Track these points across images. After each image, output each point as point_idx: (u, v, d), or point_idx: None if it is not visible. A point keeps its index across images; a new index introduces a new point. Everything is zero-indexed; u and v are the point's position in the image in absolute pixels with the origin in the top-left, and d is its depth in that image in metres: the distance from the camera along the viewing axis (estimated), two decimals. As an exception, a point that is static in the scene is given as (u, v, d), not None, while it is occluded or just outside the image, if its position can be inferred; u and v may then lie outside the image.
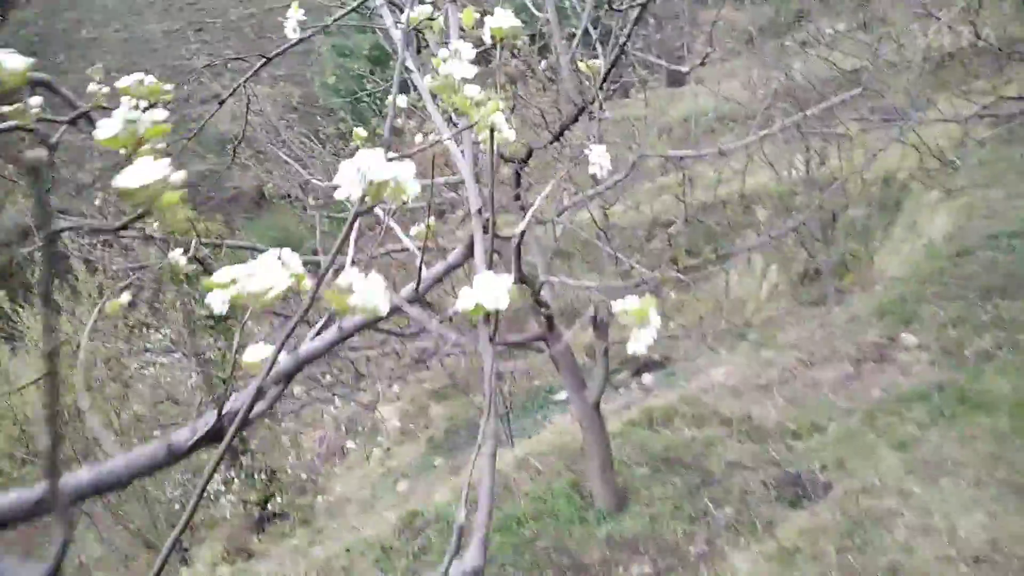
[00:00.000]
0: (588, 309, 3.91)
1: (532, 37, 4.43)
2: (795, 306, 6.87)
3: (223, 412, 0.77)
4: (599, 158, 1.25)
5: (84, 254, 5.79)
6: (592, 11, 3.62)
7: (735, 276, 6.64)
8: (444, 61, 0.85)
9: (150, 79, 0.96)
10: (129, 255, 5.77)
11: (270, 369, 0.68)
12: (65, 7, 23.40)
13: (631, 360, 6.84)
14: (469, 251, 1.04)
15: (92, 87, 0.93)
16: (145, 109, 0.99)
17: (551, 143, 2.46)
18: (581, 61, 1.88)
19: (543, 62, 3.50)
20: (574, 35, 3.99)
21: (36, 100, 0.93)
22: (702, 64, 2.87)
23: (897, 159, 7.01)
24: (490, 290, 0.77)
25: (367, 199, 0.68)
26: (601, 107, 2.46)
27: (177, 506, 6.58)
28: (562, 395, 6.71)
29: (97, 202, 4.28)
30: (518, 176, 2.76)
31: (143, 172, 0.61)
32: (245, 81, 2.87)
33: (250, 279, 0.63)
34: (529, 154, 2.69)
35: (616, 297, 3.30)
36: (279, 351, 0.68)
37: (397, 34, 1.09)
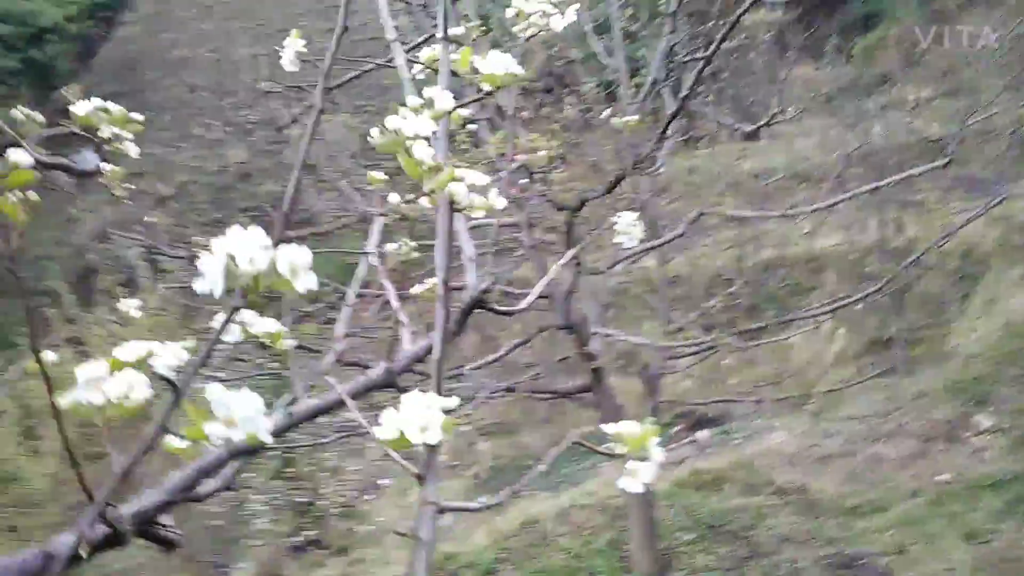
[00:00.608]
0: (640, 362, 3.79)
1: (601, 84, 4.39)
2: (861, 374, 6.58)
3: (115, 517, 0.60)
4: (628, 228, 1.14)
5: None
6: (663, 63, 3.56)
7: (799, 338, 6.40)
8: (408, 112, 0.71)
9: (116, 108, 0.91)
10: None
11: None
12: (163, 28, 24.55)
13: (685, 414, 6.65)
14: (459, 326, 0.92)
15: (19, 114, 0.86)
16: (109, 140, 0.94)
17: (605, 194, 2.39)
18: (617, 117, 1.80)
19: (607, 111, 3.44)
20: (642, 84, 3.94)
21: None
22: (768, 124, 2.76)
23: (979, 231, 6.70)
24: (419, 418, 0.58)
25: (241, 294, 0.50)
26: (657, 162, 2.37)
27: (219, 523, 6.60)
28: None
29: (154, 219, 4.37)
30: (570, 226, 2.69)
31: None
32: (302, 114, 2.88)
33: (102, 385, 0.50)
34: (582, 204, 2.61)
35: (669, 355, 3.15)
36: (117, 482, 0.54)
37: (405, 74, 1.01)
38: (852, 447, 4.95)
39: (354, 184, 4.74)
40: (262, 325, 0.77)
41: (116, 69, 23.98)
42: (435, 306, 0.88)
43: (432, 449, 0.59)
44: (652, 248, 3.12)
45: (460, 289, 0.93)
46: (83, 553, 0.53)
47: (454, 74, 0.86)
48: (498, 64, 0.78)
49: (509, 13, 0.98)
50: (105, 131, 0.91)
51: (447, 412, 0.56)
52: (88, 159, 0.99)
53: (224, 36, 23.49)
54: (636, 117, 1.87)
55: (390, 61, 1.26)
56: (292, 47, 1.15)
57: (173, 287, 4.58)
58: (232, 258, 0.49)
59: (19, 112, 0.84)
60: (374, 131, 0.67)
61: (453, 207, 0.71)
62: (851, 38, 11.41)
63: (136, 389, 0.49)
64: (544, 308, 3.94)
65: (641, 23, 4.32)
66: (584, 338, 3.54)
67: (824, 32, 9.82)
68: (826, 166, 6.45)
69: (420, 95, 0.89)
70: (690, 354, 3.35)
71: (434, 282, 1.41)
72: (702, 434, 6.25)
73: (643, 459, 0.74)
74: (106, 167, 1.02)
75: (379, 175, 1.38)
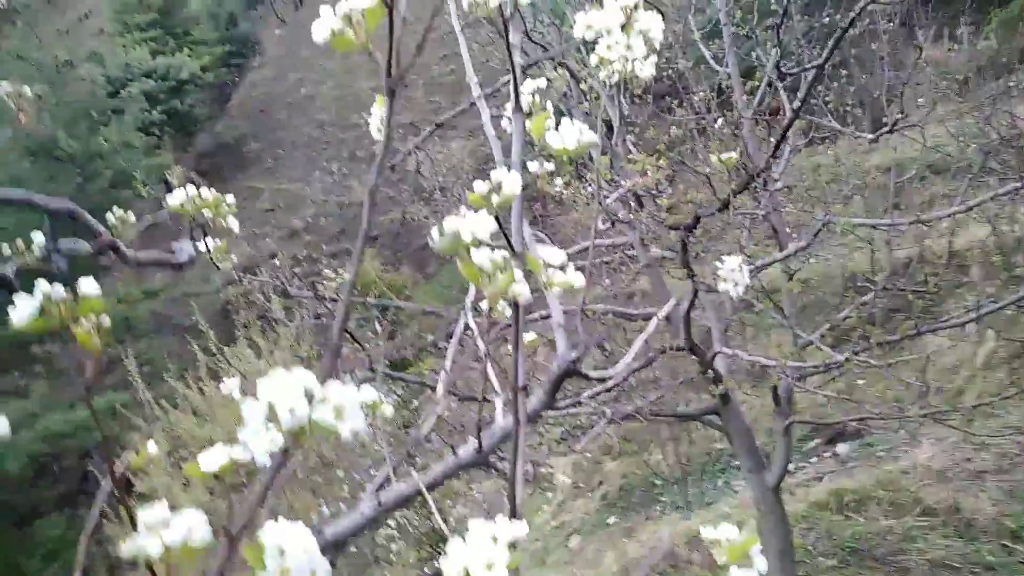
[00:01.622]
0: (769, 378, 3.62)
1: (712, 89, 4.26)
2: (1017, 379, 6.05)
3: None
4: (733, 275, 1.06)
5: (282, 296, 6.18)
6: (775, 67, 3.41)
7: (944, 341, 5.96)
8: (467, 209, 0.66)
9: (209, 193, 0.92)
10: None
11: None
12: (290, 68, 25.91)
13: (823, 427, 6.31)
14: (550, 398, 0.88)
15: (112, 218, 0.90)
16: (205, 225, 0.96)
17: (719, 211, 2.29)
18: (714, 154, 1.71)
19: (720, 119, 3.32)
20: (756, 89, 3.79)
21: (39, 238, 0.92)
22: (891, 131, 2.58)
23: None
24: (484, 554, 0.53)
25: (285, 448, 0.47)
26: (771, 176, 2.26)
27: (353, 548, 6.80)
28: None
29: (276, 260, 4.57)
30: (684, 245, 2.60)
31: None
32: (416, 147, 2.94)
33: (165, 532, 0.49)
34: (697, 221, 2.52)
35: (797, 375, 2.98)
36: None
37: (490, 131, 0.98)
38: (1010, 462, 4.55)
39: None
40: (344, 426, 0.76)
41: (248, 111, 25.49)
42: (539, 360, 0.85)
43: None
44: (776, 262, 2.98)
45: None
46: None
47: (530, 143, 0.83)
48: (570, 136, 0.74)
49: (593, 60, 0.95)
50: (204, 216, 0.94)
51: (515, 546, 0.52)
52: (184, 250, 1.04)
53: (346, 72, 24.55)
54: (734, 154, 1.78)
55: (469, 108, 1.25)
56: (377, 115, 1.16)
57: (301, 321, 4.79)
58: (272, 408, 0.46)
59: (112, 216, 0.88)
60: (434, 232, 0.64)
61: (517, 312, 0.67)
62: (988, 12, 10.59)
63: (196, 533, 0.48)
64: (664, 329, 3.84)
65: (752, 24, 4.16)
66: (706, 359, 3.42)
67: (957, 8, 9.17)
68: (964, 156, 5.99)
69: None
70: (822, 372, 3.17)
71: (532, 339, 1.39)
72: (841, 448, 5.92)
73: (746, 569, 0.66)
74: (210, 243, 1.06)
75: (481, 186, 1.37)
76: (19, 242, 0.90)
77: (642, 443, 7.64)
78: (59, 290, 0.53)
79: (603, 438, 8.33)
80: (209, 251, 1.10)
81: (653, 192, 2.52)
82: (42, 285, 0.53)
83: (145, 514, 0.48)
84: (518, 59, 0.87)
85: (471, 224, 0.62)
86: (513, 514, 0.55)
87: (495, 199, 0.66)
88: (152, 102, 21.59)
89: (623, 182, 2.51)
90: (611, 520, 7.07)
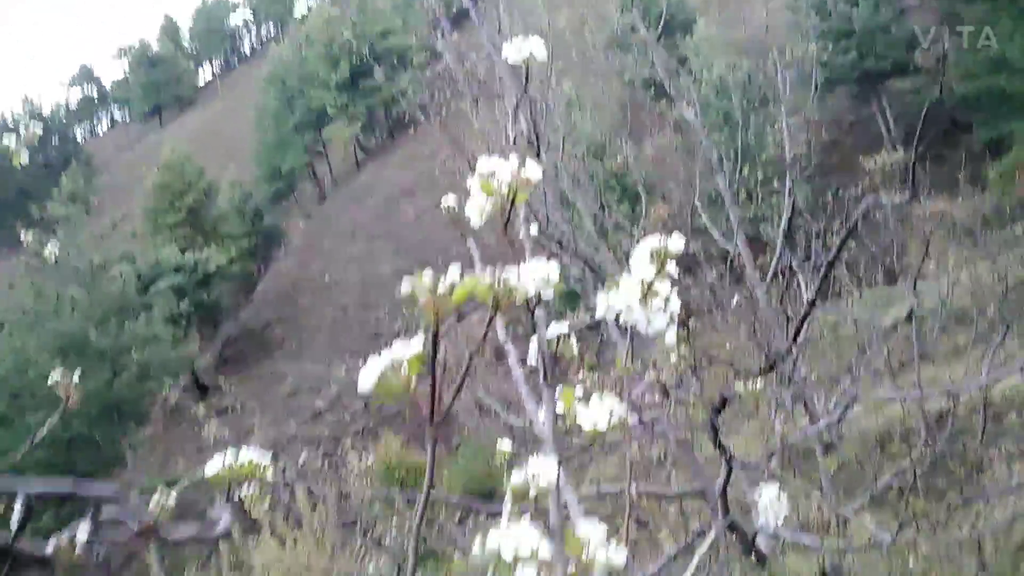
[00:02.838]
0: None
1: (725, 263, 4.39)
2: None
3: None
4: (772, 504, 1.06)
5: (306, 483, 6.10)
6: (785, 241, 3.54)
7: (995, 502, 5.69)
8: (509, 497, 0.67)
9: (247, 456, 0.95)
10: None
11: None
12: (313, 258, 26.98)
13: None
14: None
15: (154, 501, 0.94)
16: (242, 489, 0.99)
17: (741, 396, 2.31)
18: (741, 381, 1.76)
19: (736, 297, 3.41)
20: (768, 265, 3.91)
21: (83, 533, 0.96)
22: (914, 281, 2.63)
23: None
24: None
25: None
26: (795, 363, 2.29)
27: None
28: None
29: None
30: (715, 427, 2.60)
31: None
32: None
33: None
34: (723, 403, 2.53)
35: (841, 560, 2.86)
36: None
37: (539, 428, 1.00)
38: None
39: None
40: None
41: (273, 299, 26.32)
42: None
43: None
44: (807, 435, 2.95)
45: None
46: None
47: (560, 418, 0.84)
48: (602, 416, 0.77)
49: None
50: (243, 488, 0.97)
51: None
52: (222, 521, 1.07)
53: (368, 257, 25.53)
54: (760, 385, 1.83)
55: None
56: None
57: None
58: None
59: (154, 502, 0.92)
60: (475, 548, 0.65)
61: None
62: (982, 167, 11.00)
63: None
64: (702, 507, 3.75)
65: (756, 202, 4.35)
66: (749, 539, 3.31)
67: (953, 162, 9.54)
68: (982, 301, 6.02)
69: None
70: (871, 548, 3.05)
71: None
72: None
73: None
74: (244, 493, 1.08)
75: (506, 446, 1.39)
76: (63, 539, 0.94)
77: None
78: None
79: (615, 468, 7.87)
80: (242, 500, 1.13)
81: (678, 384, 2.55)
82: None
83: None
84: (544, 335, 0.91)
85: (512, 540, 0.62)
86: None
87: (532, 491, 0.68)
88: (180, 295, 22.39)
89: (647, 375, 2.56)
90: None
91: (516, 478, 0.69)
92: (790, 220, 3.08)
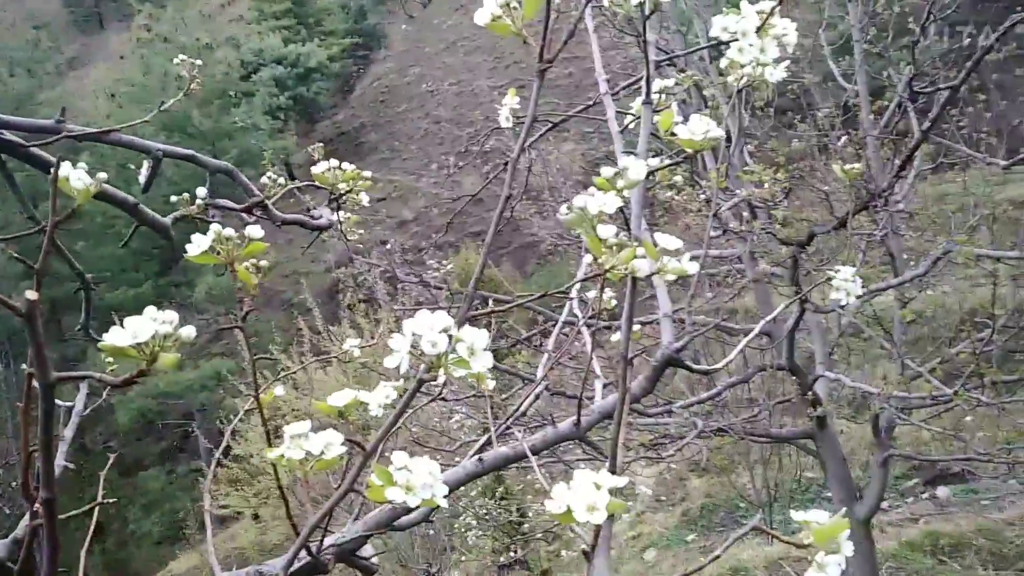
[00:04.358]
0: (871, 409, 3.50)
1: (838, 106, 4.14)
2: None
3: (321, 547, 0.72)
4: (846, 284, 1.04)
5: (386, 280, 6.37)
6: (907, 86, 3.29)
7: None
8: (597, 188, 0.70)
9: (348, 166, 1.00)
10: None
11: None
12: (412, 63, 26.57)
13: (923, 467, 6.02)
14: (651, 384, 0.89)
15: (266, 179, 0.98)
16: (344, 194, 1.03)
17: (835, 229, 2.24)
18: (837, 164, 1.67)
19: (844, 137, 3.24)
20: (884, 109, 3.67)
21: (202, 191, 1.01)
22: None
23: None
24: (587, 497, 0.56)
25: (426, 370, 0.53)
26: (893, 198, 2.19)
27: (431, 531, 6.94)
28: (834, 495, 6.08)
29: (388, 246, 4.71)
30: (795, 260, 2.56)
31: (138, 328, 0.51)
32: (531, 144, 3.00)
33: (303, 443, 0.57)
34: (811, 238, 2.47)
35: (901, 407, 2.88)
36: (314, 528, 0.59)
37: (615, 128, 1.01)
38: None
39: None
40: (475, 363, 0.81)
41: (369, 103, 26.31)
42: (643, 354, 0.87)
43: (599, 529, 0.59)
44: (889, 288, 2.89)
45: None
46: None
47: (655, 135, 0.85)
48: (698, 129, 0.77)
49: (723, 63, 0.96)
50: (341, 187, 1.01)
51: (617, 492, 0.56)
52: (324, 215, 1.11)
53: (467, 69, 25.02)
54: (859, 166, 1.73)
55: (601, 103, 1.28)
56: (509, 105, 1.21)
57: (406, 308, 4.94)
58: (416, 339, 0.52)
59: (267, 178, 0.96)
60: (563, 208, 0.68)
61: (634, 286, 0.70)
62: None
63: (333, 447, 0.55)
64: (763, 347, 3.77)
65: (886, 42, 4.02)
66: (807, 381, 3.35)
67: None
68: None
69: (629, 149, 0.90)
70: (928, 406, 3.05)
71: (635, 331, 1.41)
72: (941, 491, 5.63)
73: (833, 553, 0.68)
74: (343, 215, 1.14)
75: (607, 172, 1.40)
76: (185, 195, 1.01)
77: (729, 463, 7.48)
78: (228, 231, 0.60)
79: (690, 453, 8.20)
80: (341, 222, 1.18)
81: (768, 204, 2.48)
82: (214, 227, 0.61)
83: (291, 427, 0.55)
84: (652, 55, 0.90)
85: (599, 200, 0.66)
86: (613, 473, 0.58)
87: (620, 183, 0.69)
88: (280, 87, 22.59)
89: (738, 191, 2.49)
90: (690, 538, 6.96)
91: (605, 172, 0.70)
92: (914, 62, 2.84)
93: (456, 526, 6.85)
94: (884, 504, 5.22)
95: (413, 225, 21.95)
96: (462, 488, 6.83)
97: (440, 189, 22.01)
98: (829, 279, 1.05)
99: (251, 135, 19.37)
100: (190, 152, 1.11)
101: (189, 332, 0.51)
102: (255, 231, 0.64)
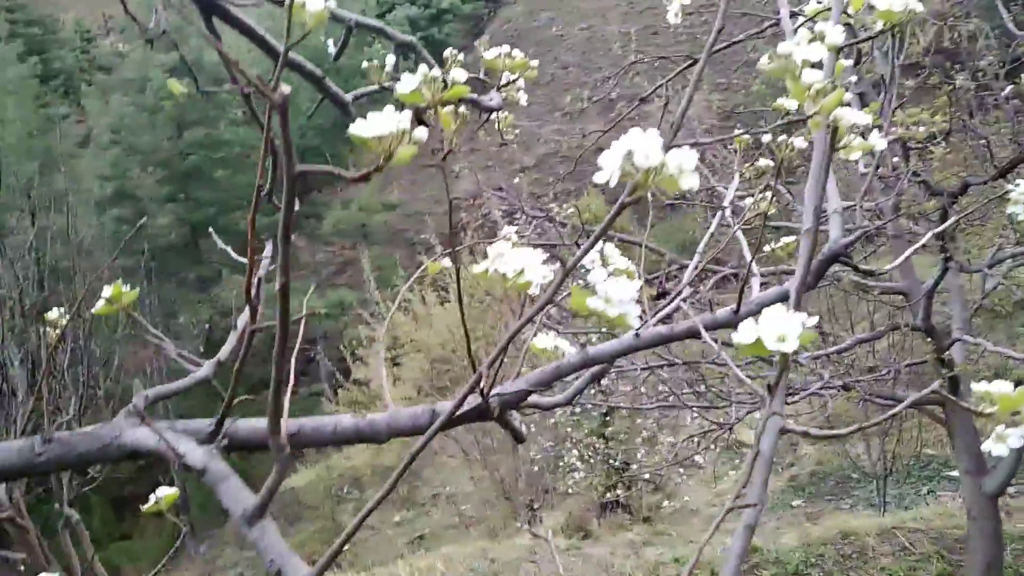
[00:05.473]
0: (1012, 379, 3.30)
1: (1004, 61, 3.85)
2: None
3: (488, 393, 0.76)
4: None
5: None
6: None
7: None
8: (800, 43, 0.69)
9: (518, 53, 1.02)
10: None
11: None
12: (543, 7, 26.27)
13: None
14: (815, 279, 0.87)
15: (447, 53, 1.00)
16: (511, 83, 1.05)
17: (992, 180, 2.11)
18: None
19: (1009, 87, 3.01)
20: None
21: (391, 59, 1.04)
22: None
23: None
24: (778, 327, 0.59)
25: (634, 187, 0.55)
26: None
27: (536, 468, 7.10)
28: (957, 473, 5.82)
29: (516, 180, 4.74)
30: (944, 212, 2.42)
31: (379, 123, 0.54)
32: (667, 81, 2.94)
33: (501, 261, 0.59)
34: (964, 188, 2.33)
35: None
36: (493, 360, 0.60)
37: (788, 27, 0.98)
38: None
39: (707, 162, 4.73)
40: (618, 262, 0.84)
41: (498, 46, 26.24)
42: (791, 261, 0.87)
43: (785, 360, 0.61)
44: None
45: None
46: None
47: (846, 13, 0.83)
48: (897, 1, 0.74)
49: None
50: (504, 77, 1.04)
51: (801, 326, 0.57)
52: (493, 98, 1.15)
53: (597, 14, 24.56)
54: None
55: (766, 30, 1.25)
56: (678, 2, 1.20)
57: (525, 244, 5.00)
58: (630, 153, 0.54)
59: (449, 53, 1.00)
60: (764, 58, 0.69)
61: (834, 139, 0.69)
62: None
63: (531, 269, 0.59)
64: (899, 304, 3.62)
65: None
66: (943, 343, 3.20)
67: None
68: None
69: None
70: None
71: (787, 242, 1.39)
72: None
73: (1015, 424, 0.67)
74: (502, 115, 1.17)
75: (746, 137, 1.39)
76: (375, 62, 1.07)
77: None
78: (436, 72, 0.64)
79: (802, 415, 7.99)
80: (499, 120, 1.21)
81: (925, 147, 2.34)
82: (422, 68, 0.65)
83: (493, 247, 0.59)
84: None
85: (803, 49, 0.66)
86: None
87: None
88: (413, 27, 22.90)
89: (894, 130, 2.36)
90: (796, 503, 6.84)
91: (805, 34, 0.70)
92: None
93: (561, 465, 6.98)
94: (1011, 490, 4.95)
95: (534, 171, 21.95)
96: (568, 429, 6.94)
97: (563, 137, 21.86)
98: (1007, 193, 1.00)
99: (381, 74, 19.78)
100: (379, 24, 1.18)
101: (421, 133, 0.56)
102: (459, 75, 0.68)
